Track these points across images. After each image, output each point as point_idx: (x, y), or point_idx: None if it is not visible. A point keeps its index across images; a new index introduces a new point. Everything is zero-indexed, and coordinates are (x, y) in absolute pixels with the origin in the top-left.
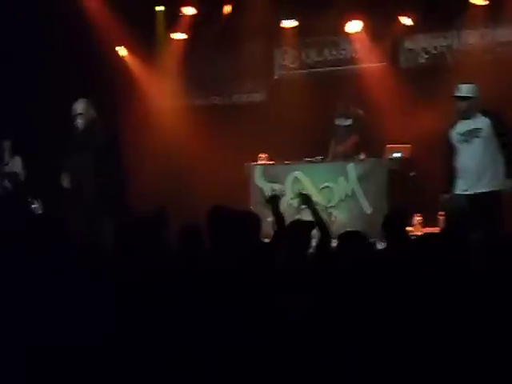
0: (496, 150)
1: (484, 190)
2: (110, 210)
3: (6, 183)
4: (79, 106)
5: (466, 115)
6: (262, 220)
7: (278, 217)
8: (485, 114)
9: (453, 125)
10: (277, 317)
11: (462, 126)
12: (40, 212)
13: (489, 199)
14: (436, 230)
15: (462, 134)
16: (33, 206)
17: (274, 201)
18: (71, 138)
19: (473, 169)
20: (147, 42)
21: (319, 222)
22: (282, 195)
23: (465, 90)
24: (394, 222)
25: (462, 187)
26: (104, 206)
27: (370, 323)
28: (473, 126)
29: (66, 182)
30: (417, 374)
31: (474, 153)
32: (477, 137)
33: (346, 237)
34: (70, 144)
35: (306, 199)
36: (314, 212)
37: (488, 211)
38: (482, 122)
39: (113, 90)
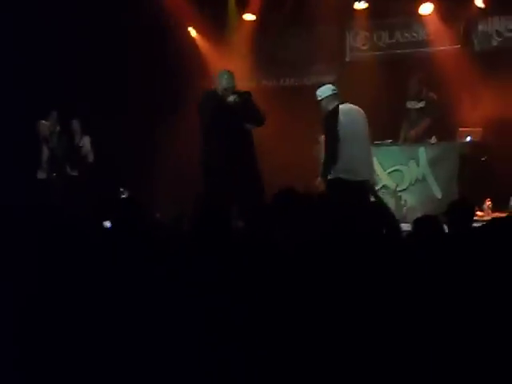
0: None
1: None
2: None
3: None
4: (229, 80)
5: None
6: None
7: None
8: None
9: None
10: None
11: None
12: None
13: None
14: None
15: None
16: (122, 196)
17: None
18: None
19: None
20: (217, 22)
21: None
22: None
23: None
24: (459, 212)
25: None
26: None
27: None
28: None
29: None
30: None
31: None
32: None
33: (423, 222)
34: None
35: None
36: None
37: None
38: None
39: (182, 70)
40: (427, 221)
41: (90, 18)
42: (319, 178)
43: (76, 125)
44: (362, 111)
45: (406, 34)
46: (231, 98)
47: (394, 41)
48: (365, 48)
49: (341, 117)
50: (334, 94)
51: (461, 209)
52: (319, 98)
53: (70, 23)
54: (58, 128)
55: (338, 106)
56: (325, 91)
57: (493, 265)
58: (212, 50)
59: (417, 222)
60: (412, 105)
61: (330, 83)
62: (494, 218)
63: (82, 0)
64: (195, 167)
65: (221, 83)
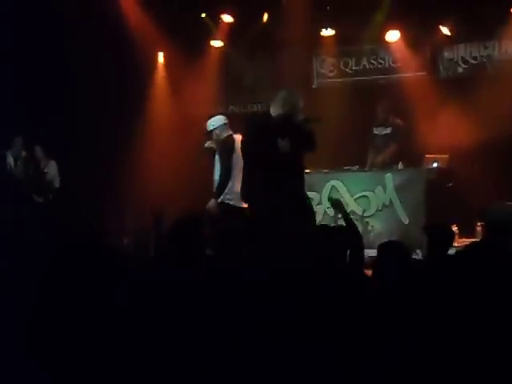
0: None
1: None
2: None
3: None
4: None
5: None
6: None
7: (348, 219)
8: None
9: None
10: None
11: None
12: None
13: None
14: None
15: None
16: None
17: (339, 204)
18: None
19: None
20: (185, 48)
21: (350, 226)
22: (318, 203)
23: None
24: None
25: None
26: None
27: (414, 337)
28: None
29: None
30: None
31: None
32: None
33: (388, 247)
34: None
35: (335, 203)
36: (345, 215)
37: None
38: None
39: (149, 97)
40: (392, 246)
41: (52, 42)
42: (212, 201)
43: (39, 151)
44: None
45: (373, 61)
46: (303, 117)
47: (360, 67)
48: (332, 74)
49: (236, 145)
50: (225, 123)
51: (441, 233)
52: (211, 128)
53: (33, 48)
54: (23, 154)
55: (231, 135)
56: (217, 121)
57: (467, 289)
58: (179, 76)
59: (381, 248)
60: (379, 131)
61: (220, 114)
62: (470, 244)
63: (44, 26)
64: (162, 190)
65: (292, 101)
